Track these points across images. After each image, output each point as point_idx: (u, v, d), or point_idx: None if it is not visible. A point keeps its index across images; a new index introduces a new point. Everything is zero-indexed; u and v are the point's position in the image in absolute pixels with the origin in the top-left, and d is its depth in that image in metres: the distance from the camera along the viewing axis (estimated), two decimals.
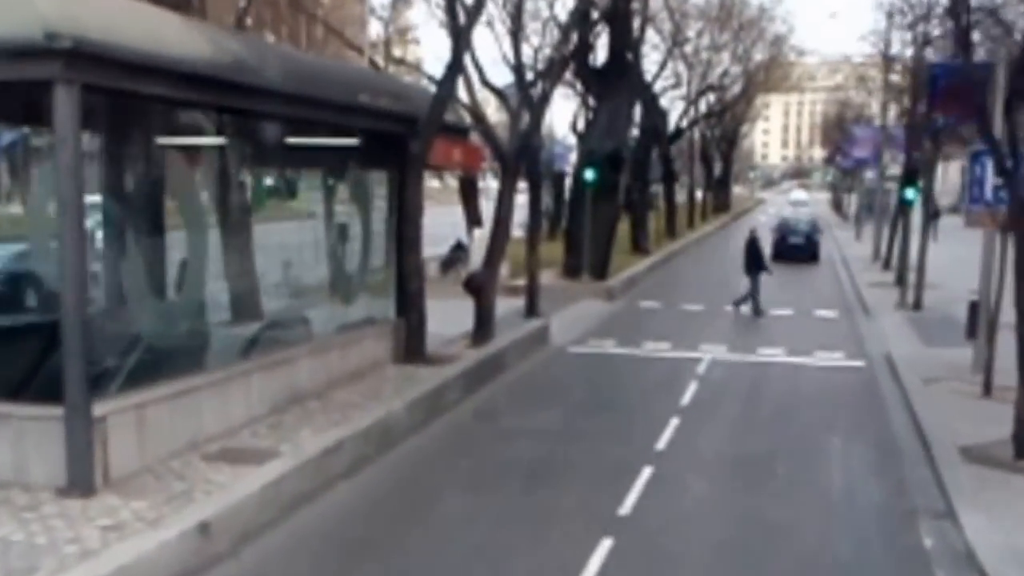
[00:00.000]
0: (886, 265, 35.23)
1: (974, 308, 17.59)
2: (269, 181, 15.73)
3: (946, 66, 19.38)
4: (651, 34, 37.60)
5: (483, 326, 19.21)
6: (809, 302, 27.44)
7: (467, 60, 19.83)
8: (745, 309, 25.18)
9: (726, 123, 64.37)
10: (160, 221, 12.39)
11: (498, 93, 21.38)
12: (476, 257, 29.55)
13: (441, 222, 48.89)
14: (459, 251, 28.63)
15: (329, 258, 15.11)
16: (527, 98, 20.14)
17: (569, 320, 23.21)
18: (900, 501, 10.96)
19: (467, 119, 19.96)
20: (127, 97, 10.06)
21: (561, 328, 21.71)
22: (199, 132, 12.66)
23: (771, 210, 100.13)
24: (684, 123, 48.40)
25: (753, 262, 25.94)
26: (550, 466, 11.91)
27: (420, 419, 13.56)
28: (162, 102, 10.93)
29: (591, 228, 27.62)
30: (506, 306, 23.35)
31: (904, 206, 25.83)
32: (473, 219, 40.27)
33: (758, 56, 57.70)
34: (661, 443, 13.04)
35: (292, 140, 14.14)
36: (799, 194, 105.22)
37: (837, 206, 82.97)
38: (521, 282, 25.07)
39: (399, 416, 13.03)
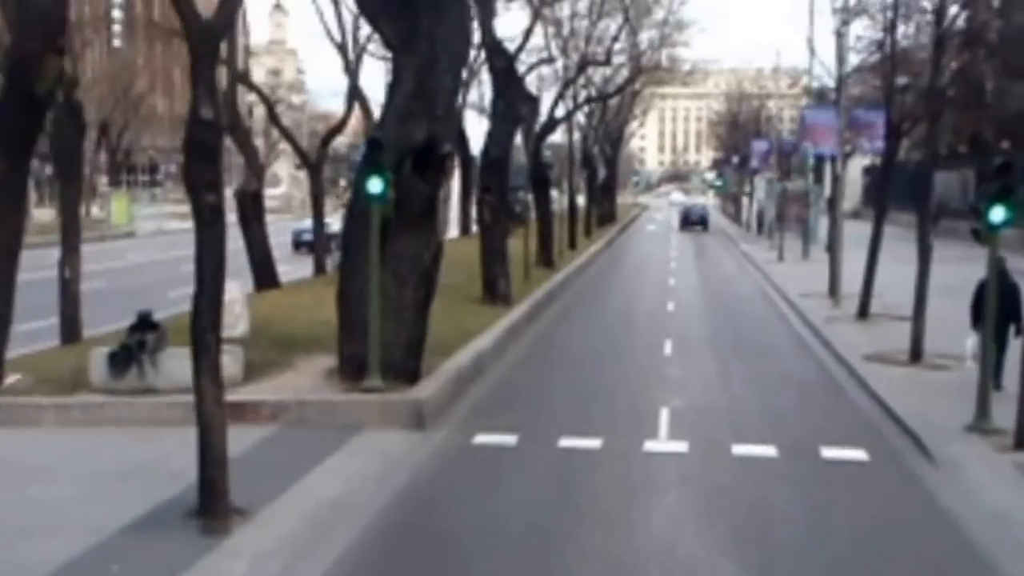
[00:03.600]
0: (863, 313, 22.12)
1: None
2: None
3: None
4: None
5: None
6: (797, 418, 14.02)
7: None
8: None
9: (610, 119, 51.21)
10: None
11: None
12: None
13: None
14: (146, 334, 14.28)
15: None
16: None
17: (300, 530, 9.24)
18: None
19: None
20: None
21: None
22: None
23: (658, 216, 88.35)
24: (560, 111, 34.74)
25: (1011, 313, 13.79)
26: None
27: None
28: None
29: (386, 283, 13.72)
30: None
31: (989, 233, 12.33)
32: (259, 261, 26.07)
33: (646, 36, 44.82)
34: None
35: None
36: (677, 196, 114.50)
37: (734, 214, 70.55)
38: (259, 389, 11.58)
39: None
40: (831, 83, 33.47)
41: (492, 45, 22.22)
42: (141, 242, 53.15)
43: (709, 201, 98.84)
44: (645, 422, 13.53)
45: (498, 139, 22.22)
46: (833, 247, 25.85)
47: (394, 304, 13.98)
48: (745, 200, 63.47)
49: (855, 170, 55.50)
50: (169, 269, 35.32)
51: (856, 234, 26.15)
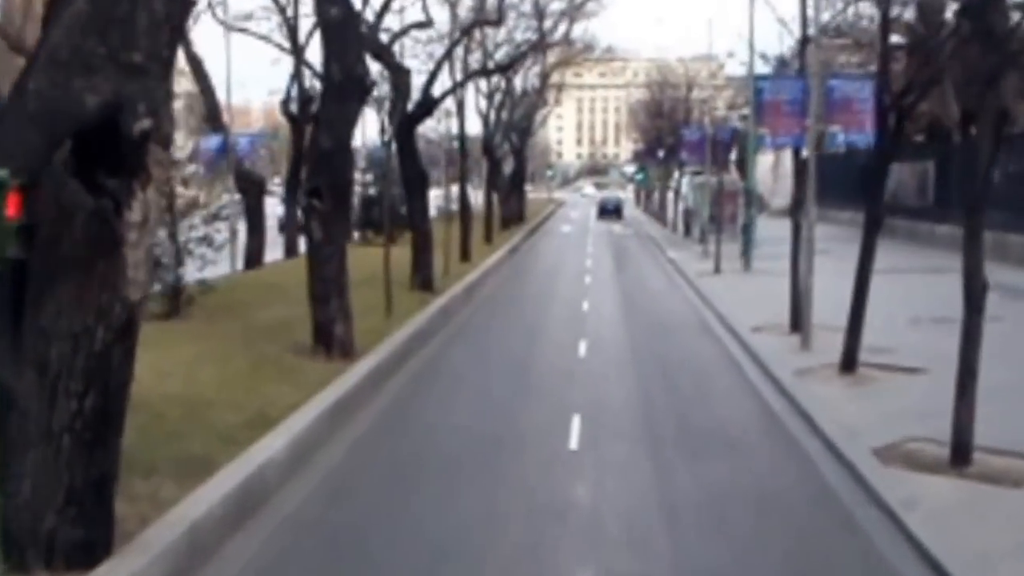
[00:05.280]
0: (848, 364, 15.98)
1: None
2: None
3: None
4: None
5: None
6: None
7: None
8: None
9: (517, 102, 44.87)
10: None
11: None
12: None
13: None
14: None
15: None
16: None
17: None
18: None
19: None
20: None
21: None
22: None
23: (574, 214, 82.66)
24: (444, 84, 28.17)
25: None
26: None
27: None
28: None
29: (24, 384, 7.13)
30: None
31: None
32: None
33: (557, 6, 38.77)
34: None
35: None
36: (589, 189, 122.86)
37: (658, 212, 64.87)
38: None
39: None
40: (784, 49, 27.95)
41: None
42: None
43: (628, 195, 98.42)
44: None
45: (330, 121, 15.56)
46: (797, 265, 19.79)
47: (40, 424, 7.37)
48: (671, 196, 57.70)
49: (787, 161, 50.22)
50: None
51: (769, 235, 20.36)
